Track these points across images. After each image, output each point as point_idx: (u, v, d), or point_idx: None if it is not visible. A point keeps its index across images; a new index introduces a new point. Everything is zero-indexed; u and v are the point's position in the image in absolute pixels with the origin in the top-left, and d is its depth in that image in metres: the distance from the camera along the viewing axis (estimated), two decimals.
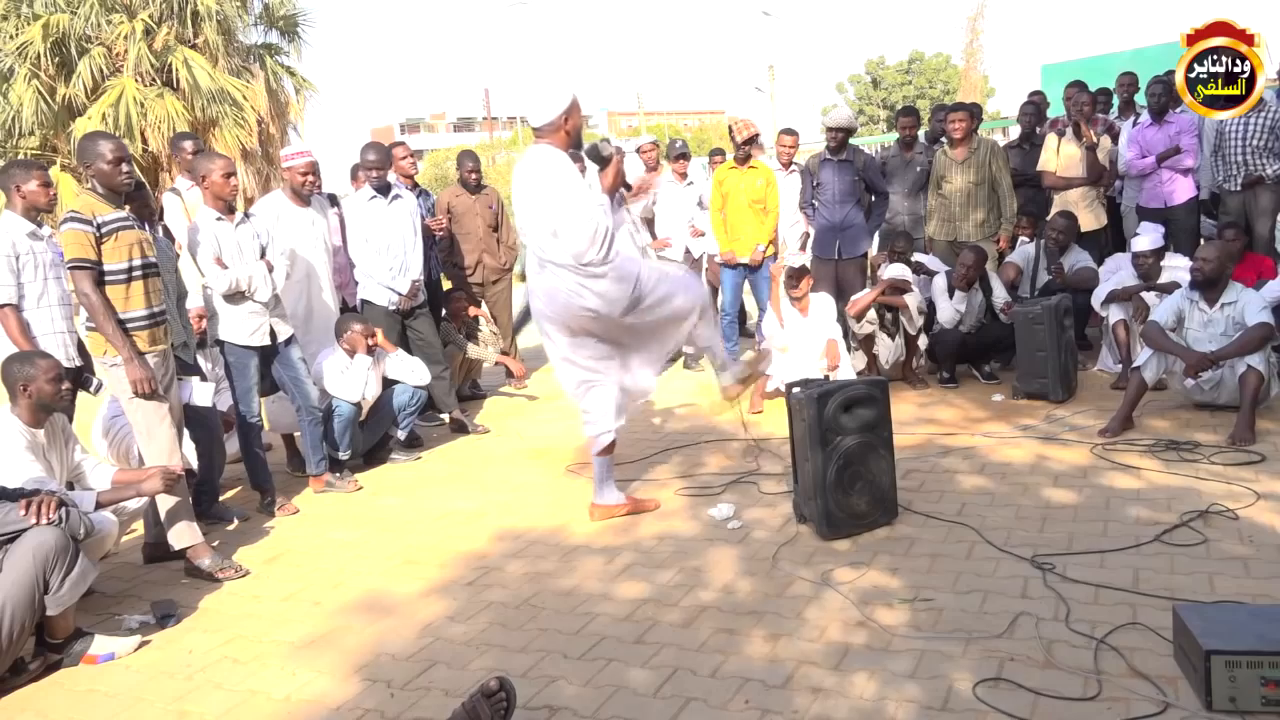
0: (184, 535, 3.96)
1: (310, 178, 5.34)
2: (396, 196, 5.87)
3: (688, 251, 7.37)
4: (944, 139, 7.19)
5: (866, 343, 6.32)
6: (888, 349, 6.27)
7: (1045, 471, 4.42)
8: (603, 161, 3.89)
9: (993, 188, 6.69)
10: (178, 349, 4.57)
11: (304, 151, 5.44)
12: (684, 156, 7.51)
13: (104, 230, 3.77)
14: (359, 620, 3.45)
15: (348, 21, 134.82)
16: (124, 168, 3.86)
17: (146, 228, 4.30)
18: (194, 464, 4.50)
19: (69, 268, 3.78)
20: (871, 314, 6.23)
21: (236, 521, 4.69)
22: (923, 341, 6.31)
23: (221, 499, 4.90)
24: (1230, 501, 3.80)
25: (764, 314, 6.80)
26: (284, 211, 5.35)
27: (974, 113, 7.10)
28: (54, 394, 3.57)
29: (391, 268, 5.74)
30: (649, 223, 7.48)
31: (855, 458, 3.77)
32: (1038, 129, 7.49)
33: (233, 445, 5.15)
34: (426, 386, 5.65)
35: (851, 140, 6.92)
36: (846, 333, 6.26)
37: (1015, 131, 7.81)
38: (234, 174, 4.67)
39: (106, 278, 3.81)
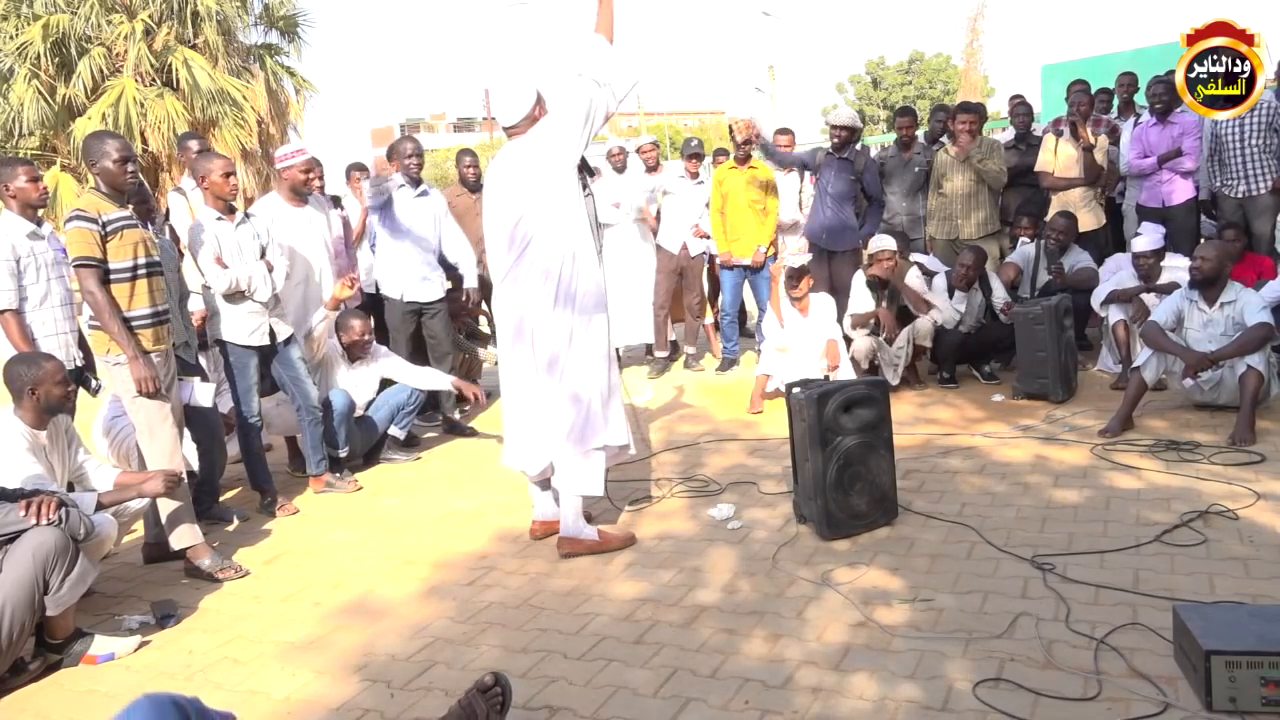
0: (185, 536, 3.96)
1: (311, 174, 5.23)
2: (424, 192, 5.91)
3: (684, 247, 7.37)
4: (944, 139, 7.20)
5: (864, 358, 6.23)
6: (892, 360, 6.19)
7: (1045, 471, 4.42)
8: None
9: (990, 185, 6.67)
10: (179, 348, 4.58)
11: (300, 150, 5.29)
12: (697, 156, 7.56)
13: (109, 229, 3.78)
14: (359, 620, 3.45)
15: (348, 21, 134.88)
16: (129, 167, 3.89)
17: (149, 227, 4.30)
18: (195, 464, 4.51)
19: (74, 265, 3.78)
20: (868, 347, 6.16)
21: (236, 521, 4.69)
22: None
23: (222, 499, 4.90)
24: (1230, 501, 3.80)
25: (764, 314, 6.81)
26: (280, 212, 5.28)
27: (982, 114, 7.10)
28: (61, 397, 3.58)
29: (417, 261, 5.78)
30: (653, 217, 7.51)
31: (855, 458, 3.77)
32: (1033, 128, 7.51)
33: (233, 446, 5.15)
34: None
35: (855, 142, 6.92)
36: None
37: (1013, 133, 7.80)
38: (233, 174, 4.66)
39: (110, 276, 3.83)
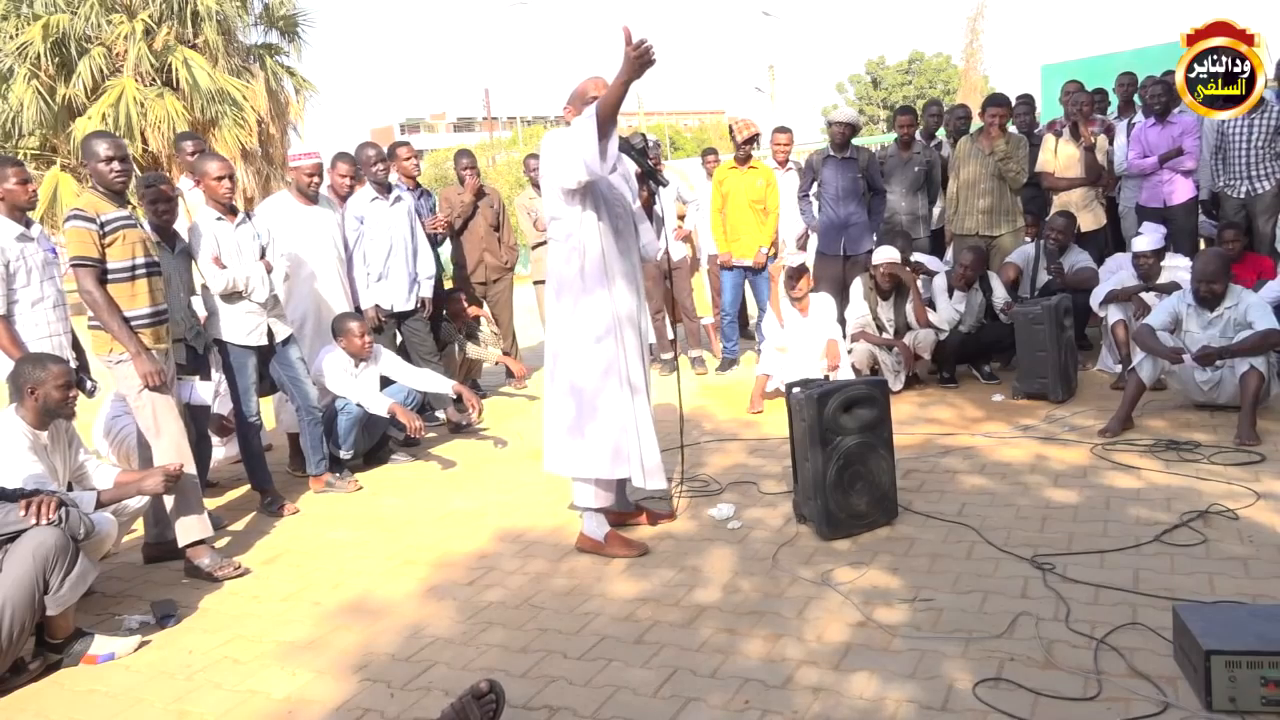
0: (194, 529, 3.97)
1: (316, 179, 5.42)
2: (398, 198, 5.89)
3: (666, 253, 7.31)
4: (941, 134, 7.15)
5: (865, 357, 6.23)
6: (895, 366, 6.17)
7: (1045, 471, 4.42)
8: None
9: (1002, 177, 6.59)
10: (190, 338, 4.59)
11: (312, 153, 5.50)
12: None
13: (107, 228, 3.78)
14: (359, 620, 3.45)
15: (348, 21, 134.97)
16: (115, 166, 3.87)
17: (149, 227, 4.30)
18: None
19: (72, 265, 3.79)
20: (867, 353, 6.15)
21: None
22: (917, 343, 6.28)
23: (222, 499, 4.90)
24: (1230, 501, 3.80)
25: (764, 314, 6.81)
26: (290, 211, 5.38)
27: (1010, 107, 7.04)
28: (61, 400, 3.56)
29: (386, 274, 5.77)
30: None
31: (855, 458, 3.77)
32: (1035, 129, 7.49)
33: (234, 446, 5.14)
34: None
35: (854, 140, 6.91)
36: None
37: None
38: (227, 175, 4.61)
39: (109, 275, 3.83)
